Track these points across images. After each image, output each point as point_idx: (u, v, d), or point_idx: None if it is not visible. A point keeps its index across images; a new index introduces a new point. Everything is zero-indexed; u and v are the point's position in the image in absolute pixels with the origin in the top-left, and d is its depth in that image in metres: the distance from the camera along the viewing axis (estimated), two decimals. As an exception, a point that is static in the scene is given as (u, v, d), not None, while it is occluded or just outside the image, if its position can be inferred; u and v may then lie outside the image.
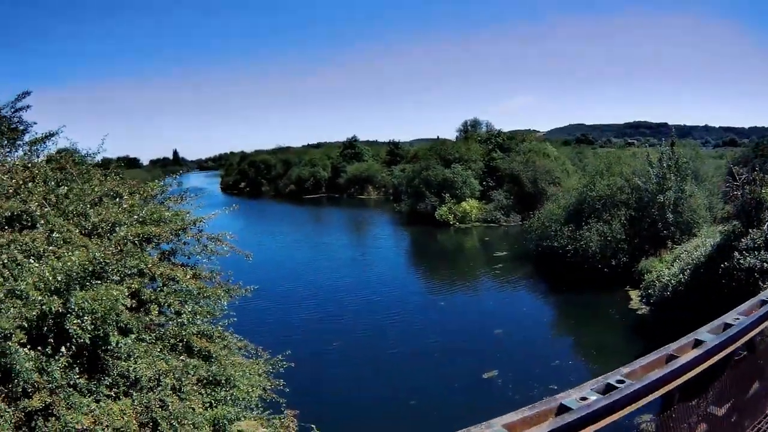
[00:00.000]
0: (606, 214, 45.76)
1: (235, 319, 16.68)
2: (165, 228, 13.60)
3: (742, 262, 28.47)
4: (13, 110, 16.48)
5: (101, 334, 10.47)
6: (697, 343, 7.56)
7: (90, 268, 10.89)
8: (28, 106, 16.72)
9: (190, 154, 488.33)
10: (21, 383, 9.53)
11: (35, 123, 17.01)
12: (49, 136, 16.43)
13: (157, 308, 12.58)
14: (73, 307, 10.19)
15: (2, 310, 9.79)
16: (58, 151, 16.99)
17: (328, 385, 28.89)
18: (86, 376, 10.59)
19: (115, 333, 10.78)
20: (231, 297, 15.95)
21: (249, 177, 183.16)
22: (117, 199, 14.42)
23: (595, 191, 47.55)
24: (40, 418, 9.65)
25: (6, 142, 16.20)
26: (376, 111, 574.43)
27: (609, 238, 44.06)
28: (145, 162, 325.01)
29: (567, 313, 40.20)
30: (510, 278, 49.70)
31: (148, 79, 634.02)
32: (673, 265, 36.84)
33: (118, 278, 11.56)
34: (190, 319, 13.25)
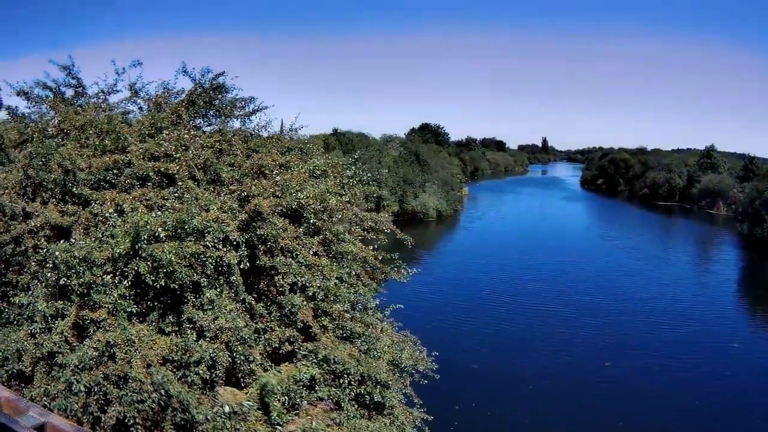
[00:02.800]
0: None
1: (401, 306, 17.66)
2: (271, 202, 13.99)
3: None
4: (212, 87, 17.74)
5: (160, 278, 12.05)
6: None
7: (185, 227, 12.50)
8: (222, 85, 17.92)
9: (559, 143, 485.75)
10: (93, 299, 11.86)
11: (255, 97, 18.50)
12: (255, 111, 18.42)
13: (292, 277, 13.73)
14: (141, 253, 11.94)
15: (103, 244, 12.41)
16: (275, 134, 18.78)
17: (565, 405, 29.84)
18: (159, 312, 12.56)
19: (188, 283, 12.41)
20: (381, 283, 16.86)
21: (607, 174, 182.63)
22: (271, 173, 15.46)
23: None
24: (93, 326, 11.84)
25: (213, 112, 18.17)
26: (737, 120, 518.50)
27: None
28: (513, 146, 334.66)
29: None
30: None
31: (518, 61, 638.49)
32: None
33: (210, 239, 12.66)
34: (315, 294, 13.88)
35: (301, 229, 14.70)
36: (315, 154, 17.96)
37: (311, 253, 14.57)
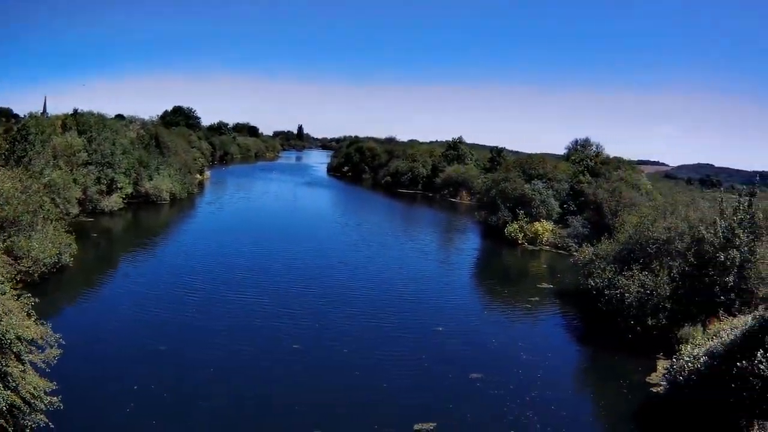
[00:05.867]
0: (656, 262, 38.23)
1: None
2: None
3: (763, 366, 21.01)
4: None
5: None
6: None
7: None
8: None
9: (316, 131, 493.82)
10: None
11: None
12: None
13: None
14: None
15: None
16: None
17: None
18: None
19: None
20: None
21: (353, 162, 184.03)
22: None
23: (651, 233, 40.03)
24: None
25: None
26: (521, 122, 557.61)
27: (650, 292, 36.75)
28: (269, 132, 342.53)
29: (570, 370, 34.34)
30: (538, 314, 44.28)
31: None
32: (708, 342, 28.80)
33: None
34: None
35: None
36: None
37: None
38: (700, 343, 29.43)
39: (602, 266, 42.12)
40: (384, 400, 27.37)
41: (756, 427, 19.40)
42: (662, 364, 32.57)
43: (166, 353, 31.18)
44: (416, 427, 24.35)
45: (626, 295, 37.50)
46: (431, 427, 24.39)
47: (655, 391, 30.13)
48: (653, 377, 31.76)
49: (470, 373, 30.69)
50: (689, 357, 27.84)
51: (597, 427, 27.25)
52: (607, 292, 39.34)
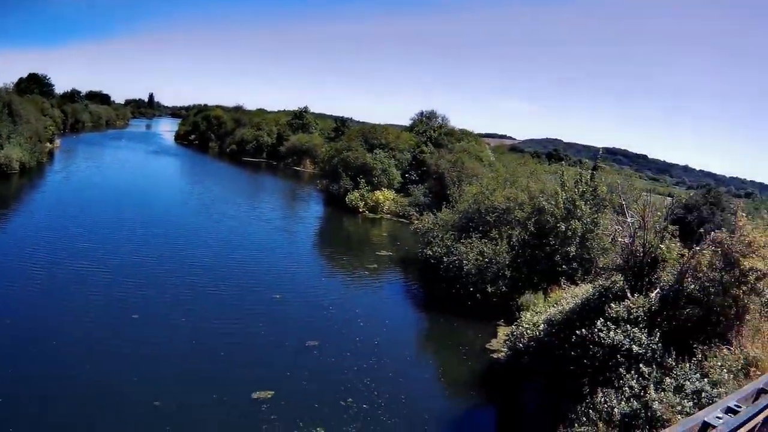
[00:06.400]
0: (495, 231, 38.04)
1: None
2: None
3: (603, 335, 20.50)
4: None
5: None
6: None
7: None
8: None
9: (167, 100, 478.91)
10: None
11: None
12: None
13: None
14: None
15: None
16: None
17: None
18: None
19: None
20: None
21: (200, 130, 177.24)
22: None
23: (490, 202, 39.98)
24: None
25: None
26: (366, 93, 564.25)
27: (489, 260, 36.51)
28: (120, 100, 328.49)
29: (409, 336, 34.19)
30: (377, 282, 43.89)
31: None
32: (549, 310, 28.55)
33: None
34: None
35: None
36: None
37: None
38: (540, 311, 29.39)
39: (441, 234, 41.79)
40: (222, 369, 26.53)
41: (600, 394, 18.64)
42: (503, 331, 32.57)
43: (5, 327, 28.74)
44: (254, 395, 24.08)
45: (465, 262, 37.14)
46: (269, 395, 24.12)
47: (495, 357, 29.91)
48: (493, 343, 31.61)
49: (307, 340, 30.11)
50: (529, 324, 27.64)
51: (436, 393, 27.10)
52: (446, 259, 38.86)
